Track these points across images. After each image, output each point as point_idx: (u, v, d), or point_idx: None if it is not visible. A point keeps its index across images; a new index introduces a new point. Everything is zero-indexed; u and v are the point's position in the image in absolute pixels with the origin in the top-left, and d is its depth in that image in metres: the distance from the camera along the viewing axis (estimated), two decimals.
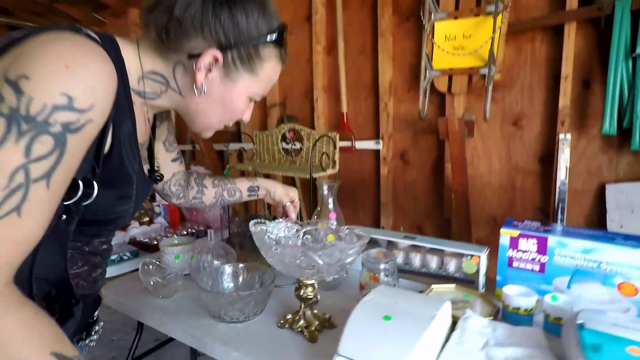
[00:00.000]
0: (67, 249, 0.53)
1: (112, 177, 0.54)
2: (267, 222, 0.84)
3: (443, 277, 0.98)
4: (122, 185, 0.57)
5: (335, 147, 1.13)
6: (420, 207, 1.73)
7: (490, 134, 1.50)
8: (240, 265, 0.94)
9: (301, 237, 0.87)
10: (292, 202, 0.92)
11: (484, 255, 0.93)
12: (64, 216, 0.49)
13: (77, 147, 0.44)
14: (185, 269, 1.03)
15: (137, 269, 1.00)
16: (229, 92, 0.59)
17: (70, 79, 0.42)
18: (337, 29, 1.79)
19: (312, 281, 0.79)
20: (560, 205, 1.25)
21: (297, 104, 2.04)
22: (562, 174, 1.24)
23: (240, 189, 0.93)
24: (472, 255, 0.94)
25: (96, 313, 0.69)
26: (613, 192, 1.28)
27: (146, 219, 1.50)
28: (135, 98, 0.57)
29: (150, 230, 1.39)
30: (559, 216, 1.25)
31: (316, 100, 1.92)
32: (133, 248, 1.25)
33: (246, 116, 0.67)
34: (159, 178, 0.75)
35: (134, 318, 0.97)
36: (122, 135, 0.53)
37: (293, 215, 0.91)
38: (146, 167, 0.71)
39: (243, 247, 1.12)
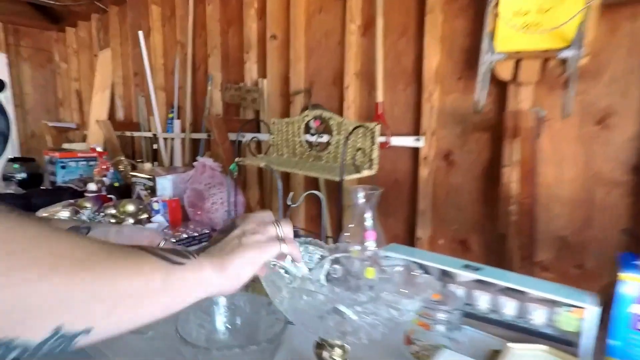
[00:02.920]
0: None
1: None
2: (285, 265, 0.56)
3: (523, 331, 0.68)
4: None
5: (373, 142, 0.85)
6: (466, 218, 1.41)
7: (564, 135, 1.16)
8: (241, 295, 0.67)
9: (326, 268, 0.59)
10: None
11: (593, 309, 0.61)
12: None
13: None
14: None
15: None
16: None
17: None
18: (376, 5, 1.48)
19: (343, 342, 0.51)
20: None
21: (325, 91, 1.75)
22: None
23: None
24: (573, 307, 0.63)
25: None
26: None
27: (144, 215, 1.25)
28: None
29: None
30: None
31: (347, 87, 1.61)
32: None
33: None
34: None
35: None
36: None
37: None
38: None
39: None
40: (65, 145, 2.60)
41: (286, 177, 1.82)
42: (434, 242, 1.51)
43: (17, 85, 3.32)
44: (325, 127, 0.97)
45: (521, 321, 0.68)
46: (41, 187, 1.77)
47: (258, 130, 1.90)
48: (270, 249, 0.47)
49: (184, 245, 1.10)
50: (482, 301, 0.72)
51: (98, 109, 2.83)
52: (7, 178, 1.71)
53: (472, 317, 0.72)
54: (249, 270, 0.45)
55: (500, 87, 1.25)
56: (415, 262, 0.78)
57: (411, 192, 1.52)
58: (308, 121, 0.98)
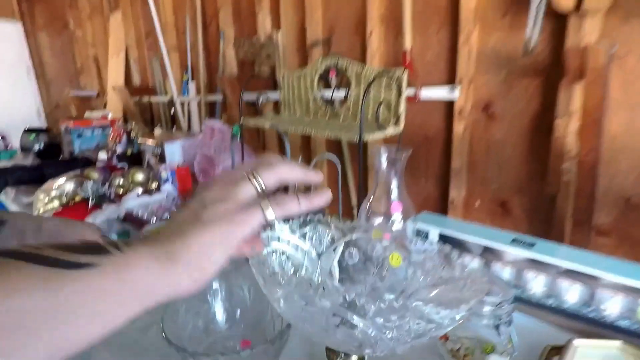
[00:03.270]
0: None
1: None
2: (276, 224, 0.45)
3: (591, 322, 0.55)
4: None
5: (400, 93, 0.69)
6: (508, 177, 1.24)
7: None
8: (242, 281, 0.57)
9: (337, 252, 0.47)
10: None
11: None
12: None
13: None
14: None
15: None
16: None
17: None
18: None
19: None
20: None
21: (345, 41, 1.55)
22: None
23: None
24: None
25: None
26: None
27: (154, 185, 1.17)
28: None
29: (152, 201, 1.06)
30: None
31: (370, 34, 1.41)
32: (125, 227, 0.94)
33: None
34: None
35: None
36: None
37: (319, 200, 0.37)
38: None
39: None
40: (87, 115, 2.57)
41: (306, 140, 1.69)
42: (470, 204, 1.35)
43: (36, 55, 3.29)
44: (342, 79, 0.82)
45: (588, 310, 0.55)
46: (59, 158, 1.74)
47: (275, 89, 1.75)
48: (245, 220, 0.30)
49: None
50: (537, 284, 0.58)
51: (114, 74, 2.75)
52: (25, 149, 1.69)
53: (523, 301, 0.59)
54: (217, 257, 0.29)
55: (557, 21, 1.02)
56: (452, 239, 0.65)
57: (444, 149, 1.35)
58: (322, 72, 0.82)
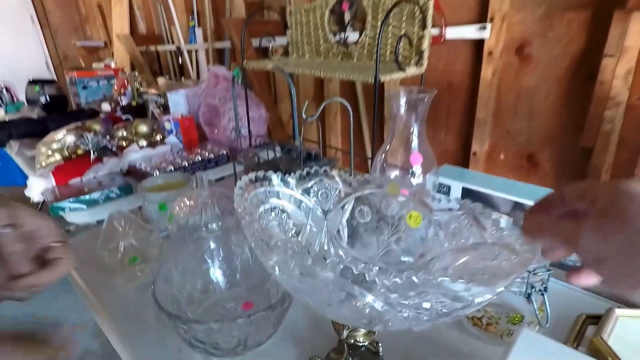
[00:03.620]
0: None
1: None
2: (274, 178, 0.38)
3: None
4: None
5: (424, 26, 0.58)
6: (538, 128, 1.13)
7: None
8: (243, 240, 0.52)
9: (346, 210, 0.41)
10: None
11: None
12: None
13: None
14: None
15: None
16: None
17: None
18: None
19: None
20: None
21: None
22: None
23: None
24: None
25: None
26: None
27: (158, 137, 1.11)
28: None
29: (155, 154, 1.01)
30: None
31: None
32: (126, 182, 0.89)
33: None
34: None
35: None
36: None
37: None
38: None
39: None
40: (95, 65, 2.49)
41: (319, 85, 1.58)
42: (493, 158, 1.26)
43: (39, 4, 3.15)
44: (356, 14, 0.71)
45: None
46: (66, 111, 1.70)
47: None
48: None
49: (198, 170, 0.97)
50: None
51: (119, 23, 2.62)
52: (31, 102, 1.64)
53: (556, 266, 0.53)
54: None
55: None
56: (478, 194, 0.58)
57: (469, 97, 1.23)
58: (334, 5, 0.71)
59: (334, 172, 0.40)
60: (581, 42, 0.97)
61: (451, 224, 0.35)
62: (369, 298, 0.24)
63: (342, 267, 0.27)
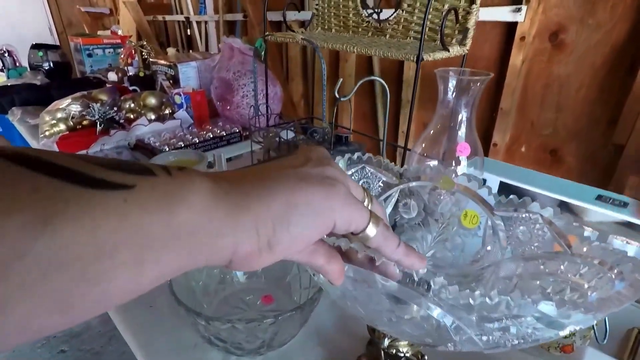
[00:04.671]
0: None
1: None
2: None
3: None
4: None
5: (473, 1, 0.52)
6: (566, 121, 1.07)
7: None
8: None
9: (390, 202, 0.36)
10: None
11: None
12: None
13: None
14: None
15: None
16: None
17: None
18: None
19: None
20: None
21: None
22: None
23: None
24: None
25: None
26: None
27: (167, 110, 1.06)
28: None
29: (164, 128, 0.95)
30: None
31: None
32: (135, 157, 0.85)
33: None
34: None
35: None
36: None
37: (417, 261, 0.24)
38: None
39: None
40: (100, 33, 2.40)
41: (333, 65, 1.51)
42: (513, 150, 1.21)
43: None
44: None
45: None
46: (70, 78, 1.63)
47: (303, 7, 1.54)
48: (353, 205, 0.21)
49: (209, 148, 0.92)
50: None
51: None
52: (34, 67, 1.58)
53: None
54: (304, 227, 0.20)
55: None
56: (517, 190, 0.53)
57: (494, 85, 1.17)
58: None
59: (380, 160, 0.35)
60: (624, 29, 0.91)
61: (516, 227, 0.31)
62: (463, 328, 0.20)
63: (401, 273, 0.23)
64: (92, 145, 0.86)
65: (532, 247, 0.29)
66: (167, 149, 0.84)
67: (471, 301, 0.19)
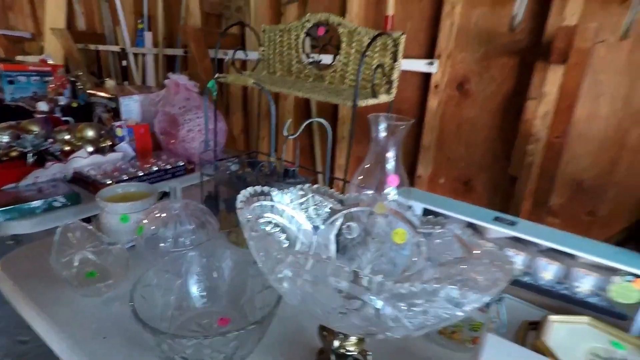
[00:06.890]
0: None
1: None
2: (274, 192, 0.39)
3: (564, 298, 0.56)
4: None
5: (395, 58, 0.64)
6: (474, 156, 1.26)
7: (609, 64, 0.97)
8: (225, 253, 0.51)
9: (336, 225, 0.43)
10: None
11: None
12: None
13: None
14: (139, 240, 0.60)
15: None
16: None
17: None
18: None
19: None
20: None
21: (322, 2, 1.46)
22: None
23: None
24: (636, 276, 0.51)
25: None
26: None
27: (107, 143, 1.04)
28: None
29: (105, 161, 0.94)
30: None
31: None
32: (73, 190, 0.82)
33: None
34: None
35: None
36: None
37: None
38: None
39: (231, 208, 0.69)
40: (20, 58, 2.23)
41: (275, 102, 1.60)
42: (434, 181, 1.38)
43: None
44: (331, 39, 0.75)
45: (560, 287, 0.57)
46: None
47: (243, 47, 1.62)
48: None
49: (154, 181, 0.92)
50: (516, 262, 0.59)
51: (53, 14, 2.40)
52: None
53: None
54: None
55: (538, 1, 1.01)
56: (436, 214, 0.64)
57: (416, 124, 1.34)
58: (309, 29, 0.75)
59: (326, 189, 0.42)
60: (511, 84, 1.13)
61: (433, 240, 0.39)
62: (387, 308, 0.26)
63: (351, 277, 0.29)
64: (24, 178, 0.81)
65: (445, 255, 0.38)
66: (110, 182, 0.83)
67: (402, 290, 0.26)
